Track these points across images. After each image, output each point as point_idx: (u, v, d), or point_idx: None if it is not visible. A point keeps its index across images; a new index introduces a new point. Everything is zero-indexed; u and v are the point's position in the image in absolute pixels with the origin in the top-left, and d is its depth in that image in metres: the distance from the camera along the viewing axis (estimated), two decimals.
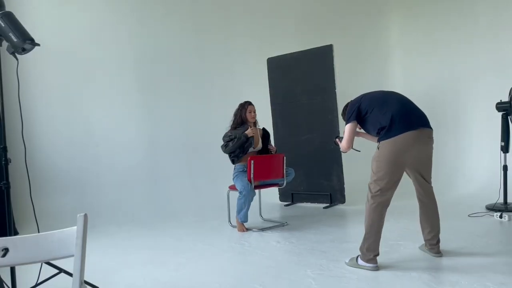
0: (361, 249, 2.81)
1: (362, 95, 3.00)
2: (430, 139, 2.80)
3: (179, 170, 5.51)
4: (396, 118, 2.70)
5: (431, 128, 2.81)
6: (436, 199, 2.94)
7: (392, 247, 3.24)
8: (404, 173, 2.85)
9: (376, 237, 2.75)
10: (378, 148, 2.76)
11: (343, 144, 2.93)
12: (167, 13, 5.60)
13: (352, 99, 3.04)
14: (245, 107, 4.15)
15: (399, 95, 2.93)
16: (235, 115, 4.18)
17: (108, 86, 5.16)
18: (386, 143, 2.70)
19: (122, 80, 5.26)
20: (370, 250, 2.75)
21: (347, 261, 2.90)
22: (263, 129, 4.29)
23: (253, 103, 4.23)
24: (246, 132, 4.02)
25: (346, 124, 2.93)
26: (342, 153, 3.04)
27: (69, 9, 4.95)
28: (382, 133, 2.73)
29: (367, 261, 2.76)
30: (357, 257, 2.83)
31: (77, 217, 1.25)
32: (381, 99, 2.86)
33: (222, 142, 4.11)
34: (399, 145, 2.67)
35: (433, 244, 2.95)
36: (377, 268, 2.75)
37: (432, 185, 2.93)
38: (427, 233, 2.95)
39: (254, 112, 4.17)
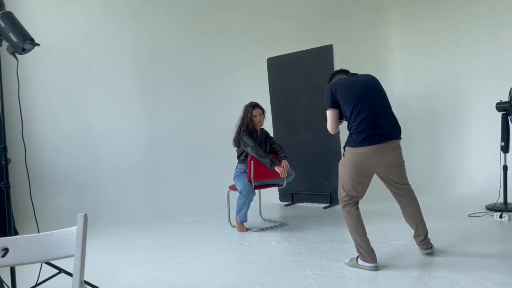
0: (357, 250, 2.83)
1: (337, 82, 2.90)
2: (395, 150, 2.80)
3: (179, 170, 5.51)
4: (367, 129, 2.68)
5: (398, 139, 2.81)
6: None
7: (392, 247, 3.25)
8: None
9: (363, 238, 2.78)
10: (343, 156, 2.83)
11: (328, 127, 2.88)
12: (167, 13, 5.60)
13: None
14: (250, 111, 4.01)
15: (374, 99, 2.77)
16: (243, 118, 4.03)
17: (108, 86, 5.16)
18: (351, 152, 2.75)
19: (122, 80, 5.26)
20: (364, 250, 2.78)
21: (347, 261, 2.91)
22: (262, 129, 4.18)
23: None
24: (276, 168, 3.87)
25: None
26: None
27: (69, 9, 4.95)
28: (350, 137, 2.77)
29: (367, 261, 2.77)
30: (357, 257, 2.84)
31: (77, 217, 1.25)
32: (356, 97, 2.74)
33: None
34: (362, 156, 2.71)
35: (421, 240, 2.97)
36: (377, 268, 2.76)
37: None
38: (414, 230, 2.98)
39: (260, 115, 4.03)
